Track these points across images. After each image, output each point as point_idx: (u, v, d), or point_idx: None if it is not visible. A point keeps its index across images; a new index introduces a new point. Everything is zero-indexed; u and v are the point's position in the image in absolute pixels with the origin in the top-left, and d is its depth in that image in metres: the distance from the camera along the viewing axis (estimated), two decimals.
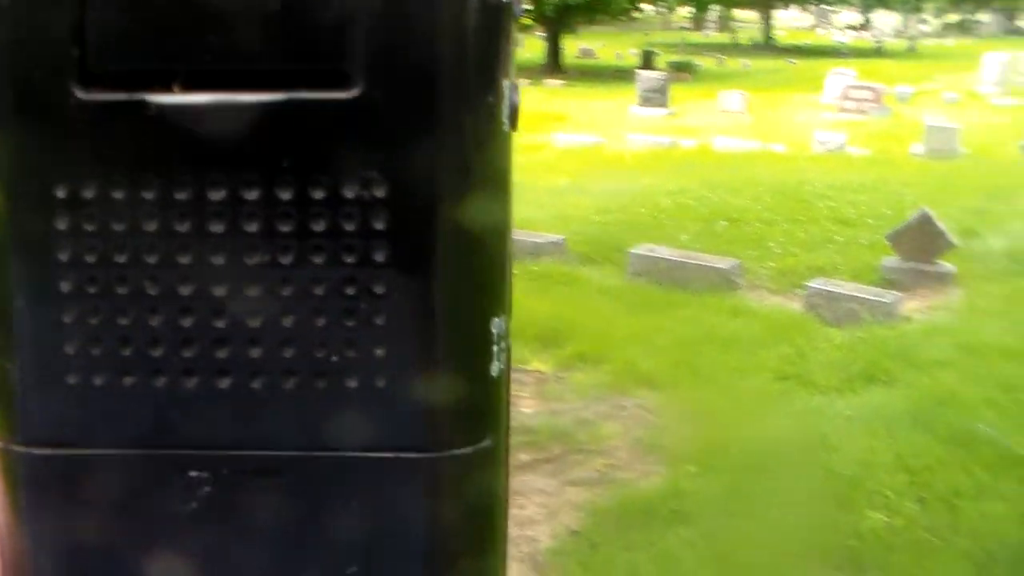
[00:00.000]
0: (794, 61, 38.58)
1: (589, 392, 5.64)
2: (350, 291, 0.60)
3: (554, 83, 29.52)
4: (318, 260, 0.60)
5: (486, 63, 0.60)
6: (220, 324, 0.61)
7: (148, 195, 0.59)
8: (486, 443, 0.64)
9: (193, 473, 0.62)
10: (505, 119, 0.62)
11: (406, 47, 0.58)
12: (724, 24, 55.56)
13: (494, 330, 0.63)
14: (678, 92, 24.50)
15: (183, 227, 0.60)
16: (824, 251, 8.61)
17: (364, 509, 0.63)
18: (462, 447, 0.63)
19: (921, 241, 7.84)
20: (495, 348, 0.63)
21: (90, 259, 0.60)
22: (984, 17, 64.41)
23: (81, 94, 0.59)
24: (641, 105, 21.75)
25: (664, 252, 8.06)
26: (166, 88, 0.58)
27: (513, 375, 0.68)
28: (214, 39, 0.58)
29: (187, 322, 0.61)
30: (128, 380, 0.62)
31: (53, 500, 0.63)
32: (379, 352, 0.61)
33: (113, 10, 0.58)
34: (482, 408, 0.64)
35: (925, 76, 30.68)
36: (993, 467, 4.48)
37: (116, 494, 0.63)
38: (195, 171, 0.59)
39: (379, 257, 0.60)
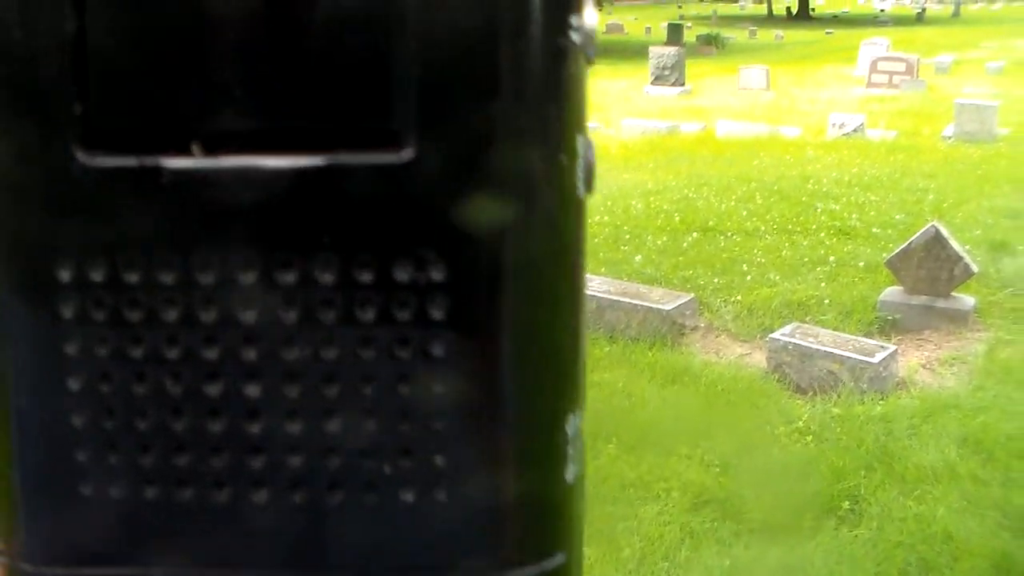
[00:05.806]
0: (831, 31, 36.64)
1: None
2: (404, 391, 0.52)
3: None
4: (367, 355, 0.52)
5: (556, 118, 0.49)
6: (254, 429, 0.53)
7: (166, 279, 0.52)
8: (559, 558, 0.55)
9: None
10: (579, 182, 0.51)
11: (463, 102, 0.49)
12: None
13: (569, 430, 0.53)
14: (701, 67, 22.76)
15: (207, 316, 0.52)
16: (811, 277, 6.75)
17: None
18: (533, 563, 0.54)
19: (930, 267, 5.99)
20: (570, 450, 0.53)
21: (102, 353, 0.52)
22: None
23: (84, 159, 0.50)
24: (653, 83, 19.99)
25: (596, 286, 6.27)
26: (184, 151, 0.50)
27: None
28: (240, 92, 0.49)
29: (216, 427, 0.54)
30: (150, 492, 0.54)
31: None
32: (439, 461, 0.53)
33: (121, 56, 0.48)
34: (555, 519, 0.54)
35: (968, 43, 28.42)
36: None
37: None
38: (220, 250, 0.51)
39: (438, 351, 0.51)
